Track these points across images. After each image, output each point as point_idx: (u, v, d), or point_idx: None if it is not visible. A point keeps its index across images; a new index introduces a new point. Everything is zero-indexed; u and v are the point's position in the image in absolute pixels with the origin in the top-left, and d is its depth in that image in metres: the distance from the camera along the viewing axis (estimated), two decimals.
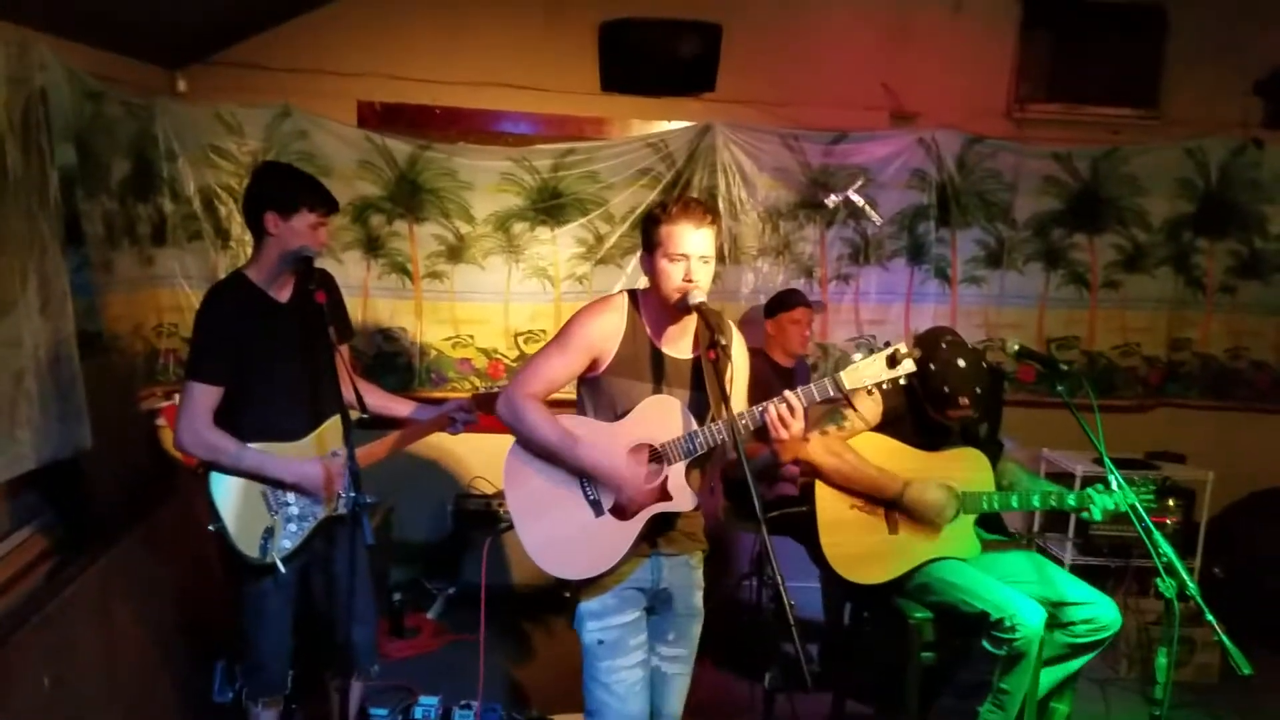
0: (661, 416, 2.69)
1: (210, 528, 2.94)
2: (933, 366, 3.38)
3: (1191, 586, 2.83)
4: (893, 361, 2.60)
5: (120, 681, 3.26)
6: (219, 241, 4.86)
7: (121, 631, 3.34)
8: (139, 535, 3.64)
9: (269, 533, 2.96)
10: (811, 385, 2.62)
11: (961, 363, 3.39)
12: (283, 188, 2.99)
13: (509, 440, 2.75)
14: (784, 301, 4.73)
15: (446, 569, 5.08)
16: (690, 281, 2.61)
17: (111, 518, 3.71)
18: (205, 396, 2.91)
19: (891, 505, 3.46)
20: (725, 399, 2.55)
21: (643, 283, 2.82)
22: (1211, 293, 5.56)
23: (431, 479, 5.29)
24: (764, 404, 2.60)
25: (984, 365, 3.41)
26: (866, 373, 2.62)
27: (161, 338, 4.77)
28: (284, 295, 3.05)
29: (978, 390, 3.34)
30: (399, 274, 5.14)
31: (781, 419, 2.57)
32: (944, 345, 3.45)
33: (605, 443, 2.67)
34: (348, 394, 2.98)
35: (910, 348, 2.62)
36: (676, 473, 2.71)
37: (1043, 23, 5.36)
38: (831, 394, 2.63)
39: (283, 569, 2.99)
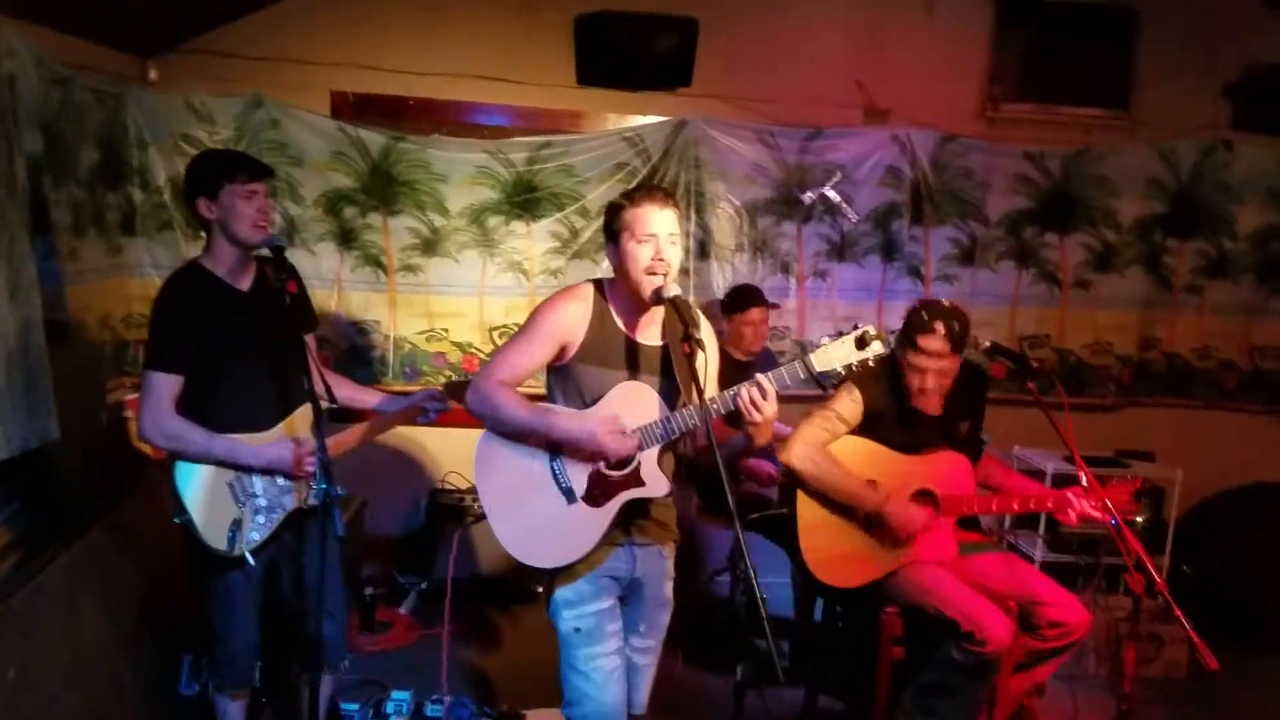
0: (634, 403, 2.70)
1: (175, 520, 2.91)
2: (920, 300, 3.49)
3: (1159, 584, 2.85)
4: (861, 343, 2.59)
5: (86, 674, 3.22)
6: (189, 231, 4.78)
7: (88, 624, 3.30)
8: (106, 527, 3.59)
9: (236, 525, 2.93)
10: (782, 369, 2.62)
11: (945, 302, 3.45)
12: (202, 172, 2.99)
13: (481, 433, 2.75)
14: (739, 303, 4.71)
15: (419, 564, 5.05)
16: (661, 260, 2.61)
17: (78, 509, 3.66)
18: (165, 385, 2.87)
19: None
20: (700, 392, 2.57)
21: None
22: (1178, 292, 5.62)
23: (405, 474, 5.26)
24: (735, 388, 2.60)
25: (967, 325, 3.42)
26: (835, 355, 2.60)
27: (130, 328, 4.70)
28: (244, 284, 3.02)
29: (955, 326, 3.35)
30: (373, 267, 5.10)
31: (754, 402, 2.57)
32: (941, 299, 3.54)
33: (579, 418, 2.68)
34: (316, 384, 2.95)
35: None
36: (649, 458, 2.72)
37: (1015, 23, 5.38)
38: (802, 377, 2.62)
39: (251, 561, 2.95)
